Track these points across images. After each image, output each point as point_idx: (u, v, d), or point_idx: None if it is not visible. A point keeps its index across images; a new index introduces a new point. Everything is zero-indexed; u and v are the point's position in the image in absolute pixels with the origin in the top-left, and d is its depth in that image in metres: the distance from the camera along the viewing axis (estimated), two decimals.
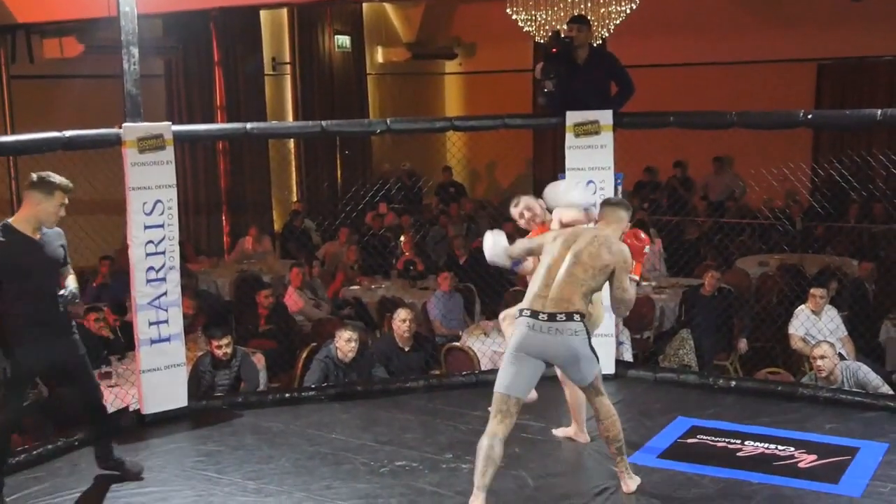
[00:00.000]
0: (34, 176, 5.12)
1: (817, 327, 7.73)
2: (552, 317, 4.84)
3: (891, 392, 6.72)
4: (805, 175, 9.01)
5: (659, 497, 5.16)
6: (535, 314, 4.88)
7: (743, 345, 8.66)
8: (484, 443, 4.84)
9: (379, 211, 13.34)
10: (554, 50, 7.05)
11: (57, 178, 5.15)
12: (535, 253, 5.27)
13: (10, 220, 5.13)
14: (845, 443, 5.78)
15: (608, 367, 7.15)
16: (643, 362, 8.17)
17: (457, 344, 8.12)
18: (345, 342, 7.11)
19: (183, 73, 13.12)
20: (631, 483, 5.15)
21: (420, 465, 5.62)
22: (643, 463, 5.57)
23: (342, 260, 11.43)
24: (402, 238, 11.68)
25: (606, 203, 5.32)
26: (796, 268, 10.16)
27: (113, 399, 6.99)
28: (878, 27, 13.17)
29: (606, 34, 10.82)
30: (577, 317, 4.86)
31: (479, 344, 8.01)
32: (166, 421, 6.41)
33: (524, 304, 4.97)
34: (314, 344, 7.99)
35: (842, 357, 6.98)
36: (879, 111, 6.35)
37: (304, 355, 7.76)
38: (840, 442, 5.80)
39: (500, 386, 4.90)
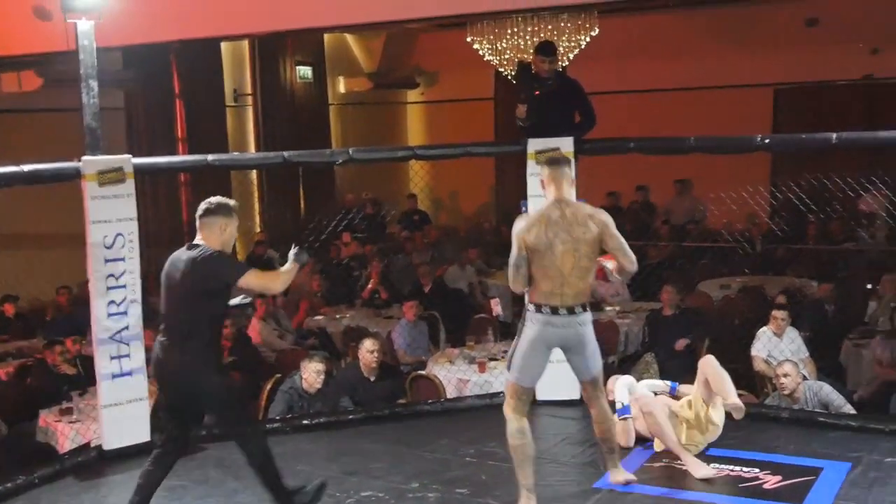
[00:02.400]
0: (213, 202, 5.07)
1: (779, 349, 7.80)
2: (571, 310, 5.06)
3: (853, 412, 6.79)
4: (764, 198, 9.11)
5: None
6: (554, 310, 5.05)
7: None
8: (519, 441, 5.11)
9: (343, 240, 13.32)
10: (537, 93, 7.10)
11: (231, 201, 5.17)
12: (524, 257, 5.09)
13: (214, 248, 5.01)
14: (809, 463, 5.82)
15: (574, 393, 7.17)
16: None
17: (422, 372, 8.11)
18: (314, 374, 7.08)
19: (143, 105, 13.07)
20: (621, 475, 5.51)
21: (386, 495, 5.58)
22: (611, 487, 5.58)
23: (306, 289, 11.39)
24: (369, 268, 11.66)
25: (552, 164, 5.25)
26: (758, 290, 10.25)
27: (73, 435, 6.91)
28: (833, 52, 13.42)
29: (566, 63, 10.92)
30: (588, 306, 5.16)
31: (444, 372, 8.00)
32: (128, 456, 6.31)
33: (538, 299, 5.08)
34: (278, 375, 7.93)
35: (804, 378, 7.04)
36: (835, 135, 6.44)
37: (269, 386, 7.71)
38: (804, 462, 5.83)
39: (525, 380, 5.16)
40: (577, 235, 5.05)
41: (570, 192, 5.23)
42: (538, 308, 5.10)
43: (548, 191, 5.23)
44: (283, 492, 5.12)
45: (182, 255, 5.06)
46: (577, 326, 5.11)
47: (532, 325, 5.13)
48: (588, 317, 5.17)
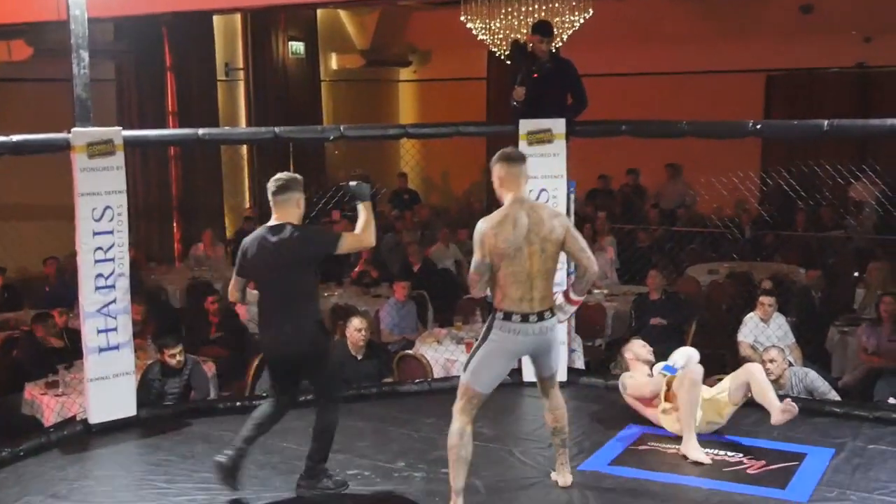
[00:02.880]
0: (284, 178, 5.18)
1: (766, 334, 7.84)
2: (541, 316, 4.90)
3: (837, 398, 6.84)
4: (754, 184, 9.12)
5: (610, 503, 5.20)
6: (525, 318, 4.86)
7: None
8: (457, 442, 4.89)
9: (332, 218, 13.29)
10: (535, 76, 7.08)
11: (296, 175, 5.28)
12: (488, 265, 4.89)
13: (295, 223, 5.14)
14: (793, 449, 5.85)
15: (561, 375, 7.18)
16: (595, 370, 8.22)
17: (410, 352, 8.11)
18: None
19: (134, 77, 12.99)
20: (569, 477, 5.31)
21: (372, 473, 5.59)
22: (595, 469, 5.61)
23: None
24: None
25: (509, 161, 4.98)
26: (746, 276, 10.28)
27: (59, 408, 6.90)
28: (826, 39, 13.41)
29: (560, 44, 10.89)
30: (555, 308, 4.99)
31: (431, 352, 8.01)
32: (115, 430, 6.33)
33: (508, 306, 4.85)
34: None
35: (790, 364, 7.08)
36: (826, 122, 6.44)
37: (256, 363, 7.70)
38: (788, 448, 5.86)
39: (482, 387, 4.92)
40: (543, 235, 4.86)
41: (525, 184, 5.00)
42: (507, 316, 4.87)
43: (503, 189, 4.96)
44: (321, 465, 5.32)
45: (268, 235, 5.14)
46: (547, 333, 4.95)
47: (501, 335, 4.89)
48: (555, 320, 4.99)
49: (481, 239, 4.86)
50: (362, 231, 5.22)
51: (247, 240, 5.26)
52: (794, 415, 5.67)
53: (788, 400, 5.79)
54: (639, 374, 6.37)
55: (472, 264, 4.92)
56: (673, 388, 6.01)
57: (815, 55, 13.67)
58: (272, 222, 5.17)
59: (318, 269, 5.30)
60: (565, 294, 5.11)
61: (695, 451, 5.71)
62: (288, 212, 5.17)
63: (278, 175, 5.22)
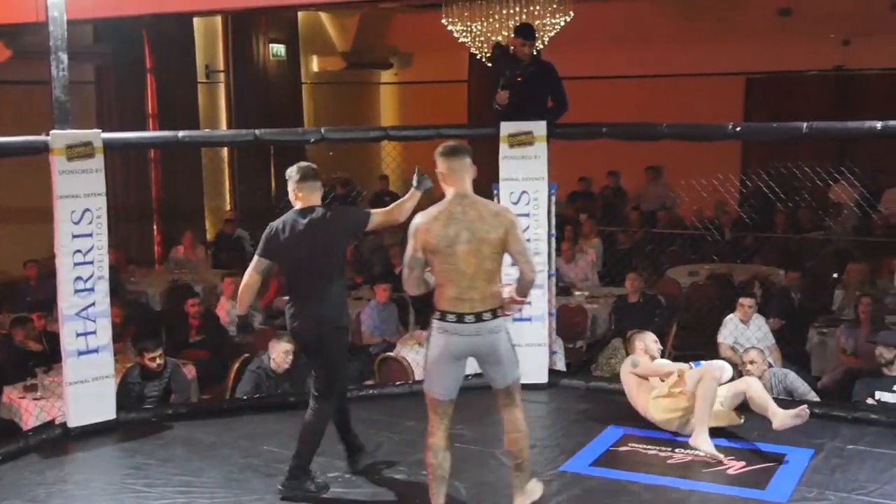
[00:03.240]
0: (309, 167, 5.32)
1: (745, 336, 7.87)
2: (479, 317, 4.66)
3: (817, 399, 6.88)
4: (734, 186, 9.16)
5: None
6: (461, 318, 4.65)
7: None
8: (432, 460, 4.75)
9: None
10: (519, 79, 7.09)
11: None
12: (420, 260, 4.75)
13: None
14: (772, 449, 5.87)
15: (542, 377, 7.22)
16: (576, 371, 8.24)
17: (391, 354, 8.11)
18: (282, 354, 7.06)
19: (114, 79, 12.93)
20: (525, 499, 4.95)
21: (353, 476, 5.59)
22: (576, 470, 5.63)
23: (275, 269, 11.31)
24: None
25: (451, 155, 4.77)
26: (725, 277, 10.32)
27: (38, 412, 6.86)
28: (805, 42, 13.48)
29: (541, 46, 10.90)
30: (498, 311, 4.72)
31: (413, 354, 8.00)
32: (94, 434, 6.30)
33: (444, 306, 4.68)
34: (246, 355, 7.91)
35: (770, 365, 7.11)
36: (805, 124, 6.48)
37: (237, 366, 7.68)
38: (767, 448, 5.89)
39: (438, 392, 4.75)
40: (480, 234, 4.62)
41: (470, 185, 4.76)
42: (443, 316, 4.68)
43: (446, 184, 4.77)
44: (303, 467, 5.33)
45: (299, 218, 5.26)
46: (487, 334, 4.67)
47: (438, 335, 4.71)
48: (500, 323, 4.72)
49: (413, 232, 4.72)
50: (393, 208, 5.41)
51: (275, 223, 5.33)
52: (805, 420, 5.75)
53: (804, 407, 5.83)
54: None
55: (405, 257, 4.78)
56: (687, 379, 6.08)
57: (794, 58, 13.74)
58: (299, 207, 5.28)
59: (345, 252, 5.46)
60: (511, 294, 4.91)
61: (706, 443, 5.78)
62: (315, 196, 5.31)
63: (301, 164, 5.35)
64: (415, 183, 5.45)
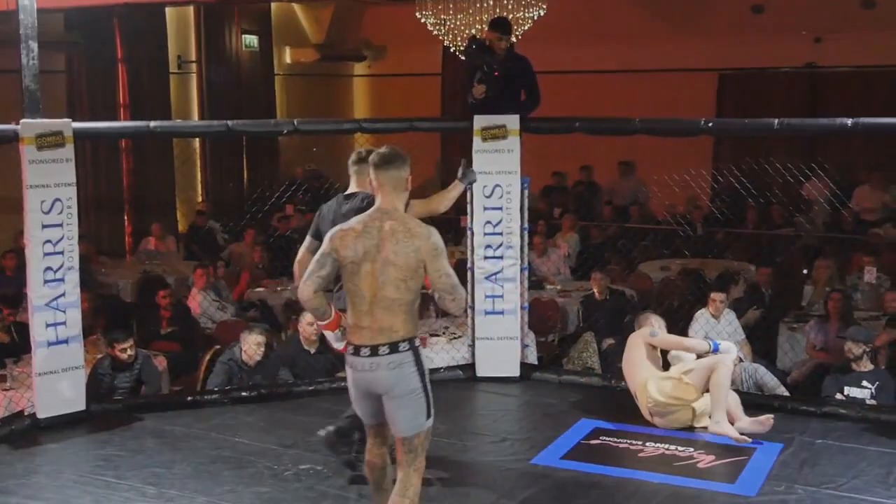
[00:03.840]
0: (364, 152, 5.21)
1: (716, 330, 7.91)
2: (375, 350, 4.12)
3: (786, 394, 6.94)
4: (706, 181, 9.21)
5: (562, 498, 5.23)
6: (356, 350, 4.17)
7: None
8: (368, 476, 4.54)
9: (286, 212, 13.22)
10: (496, 74, 7.08)
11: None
12: (331, 259, 4.24)
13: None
14: (742, 443, 5.92)
15: (513, 370, 7.24)
16: (548, 365, 8.25)
17: None
18: (254, 346, 7.03)
19: (85, 69, 12.82)
20: None
21: (324, 468, 5.57)
22: (546, 464, 5.64)
23: (247, 261, 11.29)
24: None
25: (373, 165, 4.29)
26: (697, 272, 10.38)
27: (7, 402, 6.79)
28: (777, 39, 13.57)
29: (514, 40, 10.90)
30: (402, 346, 4.13)
31: None
32: (63, 425, 6.25)
33: (348, 334, 4.25)
34: (218, 347, 7.88)
35: (740, 360, 7.16)
36: (777, 120, 6.53)
37: (208, 358, 7.64)
38: (738, 443, 5.94)
39: (362, 416, 4.39)
40: (385, 255, 4.10)
41: (400, 198, 4.27)
42: (348, 345, 4.24)
43: (377, 195, 4.32)
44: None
45: (343, 202, 5.25)
46: (381, 370, 4.09)
47: (346, 365, 4.29)
48: (402, 358, 4.10)
49: (330, 237, 4.27)
50: (434, 197, 5.39)
51: (325, 205, 5.39)
52: (767, 429, 5.92)
53: (770, 417, 5.97)
54: None
55: (316, 255, 4.32)
56: (699, 367, 6.13)
57: (766, 55, 13.83)
58: (349, 191, 5.30)
59: None
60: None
61: (729, 428, 5.91)
62: (365, 181, 5.11)
63: (359, 149, 5.36)
64: (459, 174, 5.45)
